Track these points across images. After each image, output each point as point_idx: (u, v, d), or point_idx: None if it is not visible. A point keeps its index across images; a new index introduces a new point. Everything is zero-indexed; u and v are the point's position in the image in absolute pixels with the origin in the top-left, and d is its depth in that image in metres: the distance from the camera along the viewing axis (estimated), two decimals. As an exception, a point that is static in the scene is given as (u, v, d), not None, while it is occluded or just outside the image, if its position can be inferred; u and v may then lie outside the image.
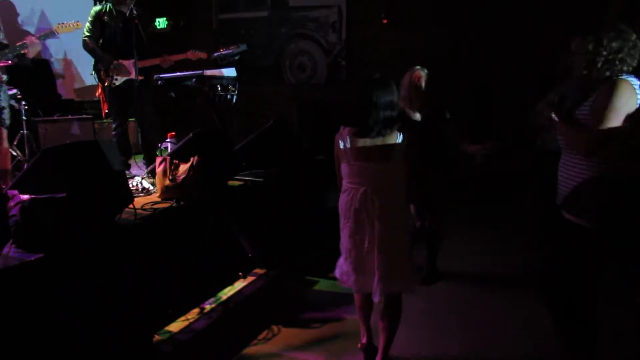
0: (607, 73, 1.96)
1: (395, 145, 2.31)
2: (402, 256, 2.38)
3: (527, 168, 4.49)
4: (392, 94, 2.33)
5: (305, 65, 6.86)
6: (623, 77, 1.95)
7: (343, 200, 2.41)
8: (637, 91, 1.93)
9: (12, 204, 2.23)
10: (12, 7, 5.70)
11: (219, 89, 4.57)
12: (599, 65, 1.95)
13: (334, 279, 3.53)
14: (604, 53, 1.93)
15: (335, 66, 6.68)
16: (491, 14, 5.66)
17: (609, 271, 2.16)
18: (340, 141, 2.37)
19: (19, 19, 5.72)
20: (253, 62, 7.03)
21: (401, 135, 2.33)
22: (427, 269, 3.69)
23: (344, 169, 2.39)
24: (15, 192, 2.28)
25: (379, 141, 2.31)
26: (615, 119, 1.90)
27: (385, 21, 6.17)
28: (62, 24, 3.40)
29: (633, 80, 1.95)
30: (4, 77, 3.17)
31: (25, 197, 2.24)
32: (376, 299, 2.38)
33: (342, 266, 2.49)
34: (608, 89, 1.92)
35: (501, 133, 5.57)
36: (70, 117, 4.87)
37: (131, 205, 2.65)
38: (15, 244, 2.22)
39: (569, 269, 2.12)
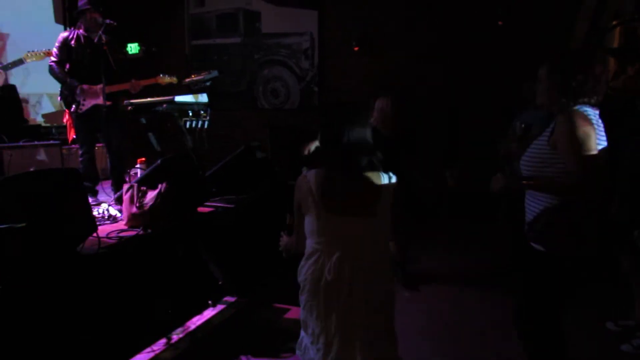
0: (571, 104, 1.97)
1: (381, 190, 1.81)
2: (391, 338, 1.93)
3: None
4: (366, 125, 1.86)
5: (279, 91, 6.91)
6: (576, 107, 1.96)
7: (306, 267, 1.86)
8: (593, 119, 1.95)
9: (-33, 234, 2.15)
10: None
11: (190, 114, 4.56)
12: (563, 98, 1.97)
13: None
14: (571, 86, 1.94)
15: (307, 92, 6.76)
16: (459, 40, 5.84)
17: (578, 297, 2.20)
18: (306, 186, 1.82)
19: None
20: (226, 87, 7.06)
21: (388, 175, 1.86)
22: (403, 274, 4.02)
23: (311, 225, 1.82)
24: (-29, 222, 2.20)
25: (359, 186, 1.80)
26: (585, 149, 1.87)
27: (356, 48, 6.30)
28: (32, 52, 3.36)
29: (587, 109, 1.97)
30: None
31: (-18, 227, 2.16)
32: None
33: (308, 349, 1.93)
34: (563, 124, 1.92)
35: (471, 156, 5.70)
36: (36, 143, 4.76)
37: (95, 234, 2.58)
38: (-29, 276, 2.14)
39: (536, 296, 2.14)
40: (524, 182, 2.04)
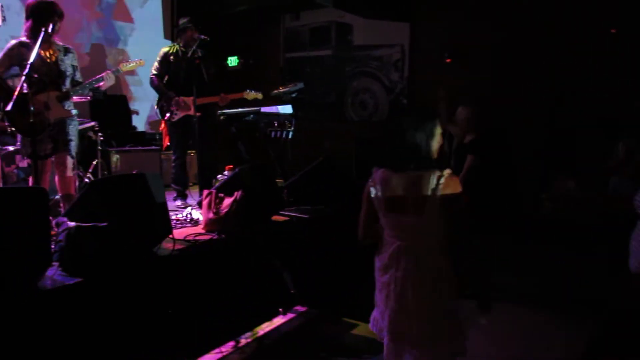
0: None
1: (430, 192, 1.97)
2: (443, 321, 2.06)
3: (598, 220, 4.13)
4: (424, 129, 2.04)
5: (367, 103, 6.89)
6: None
7: (379, 252, 2.18)
8: None
9: (60, 229, 2.40)
10: (102, 50, 6.32)
11: (276, 124, 4.72)
12: None
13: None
14: None
15: (396, 104, 6.65)
16: (560, 51, 5.41)
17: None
18: (371, 188, 2.10)
19: (107, 60, 6.31)
20: (317, 98, 7.19)
21: (437, 179, 1.96)
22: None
23: (381, 219, 2.13)
24: (65, 219, 2.45)
25: (412, 186, 2.00)
26: None
27: (448, 60, 6.08)
28: (127, 62, 3.70)
29: None
30: (74, 112, 3.47)
31: (72, 224, 2.40)
32: None
33: (378, 320, 2.20)
34: None
35: (572, 175, 5.21)
36: (139, 148, 5.23)
37: (171, 236, 2.75)
38: (61, 267, 2.39)
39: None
40: None
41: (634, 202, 1.99)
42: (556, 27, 5.41)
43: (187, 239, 3.06)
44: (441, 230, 2.02)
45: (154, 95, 4.74)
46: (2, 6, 3.92)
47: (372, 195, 2.09)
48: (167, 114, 4.23)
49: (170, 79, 4.27)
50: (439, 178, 1.96)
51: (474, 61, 5.98)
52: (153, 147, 5.41)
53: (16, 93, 2.81)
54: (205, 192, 3.31)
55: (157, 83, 4.26)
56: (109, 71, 3.51)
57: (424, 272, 2.02)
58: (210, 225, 3.22)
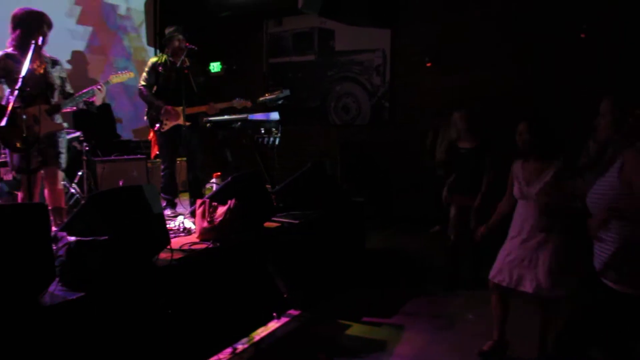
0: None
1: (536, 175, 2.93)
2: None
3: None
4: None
5: (350, 107, 7.00)
6: None
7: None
8: None
9: (60, 244, 2.42)
10: (83, 57, 6.27)
11: (262, 131, 4.78)
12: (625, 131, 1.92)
13: (368, 323, 3.52)
14: (630, 120, 1.90)
15: (378, 108, 6.78)
16: (536, 57, 5.60)
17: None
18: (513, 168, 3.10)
19: (88, 68, 6.27)
20: (300, 103, 7.27)
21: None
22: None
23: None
24: (64, 233, 2.47)
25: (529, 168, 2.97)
26: None
27: (429, 64, 6.23)
28: (117, 74, 3.70)
29: None
30: (65, 125, 3.47)
31: (72, 238, 2.42)
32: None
33: None
34: (635, 160, 1.84)
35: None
36: (125, 157, 5.22)
37: (169, 247, 2.78)
38: (61, 282, 2.40)
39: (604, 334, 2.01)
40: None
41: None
42: (534, 29, 5.60)
43: (183, 248, 3.10)
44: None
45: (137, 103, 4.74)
46: None
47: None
48: (157, 124, 4.25)
49: (159, 89, 4.29)
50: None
51: (453, 65, 6.15)
52: (139, 156, 5.40)
53: (9, 108, 2.81)
54: (199, 201, 3.34)
55: (146, 94, 4.28)
56: (98, 85, 3.49)
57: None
58: (205, 234, 3.25)
